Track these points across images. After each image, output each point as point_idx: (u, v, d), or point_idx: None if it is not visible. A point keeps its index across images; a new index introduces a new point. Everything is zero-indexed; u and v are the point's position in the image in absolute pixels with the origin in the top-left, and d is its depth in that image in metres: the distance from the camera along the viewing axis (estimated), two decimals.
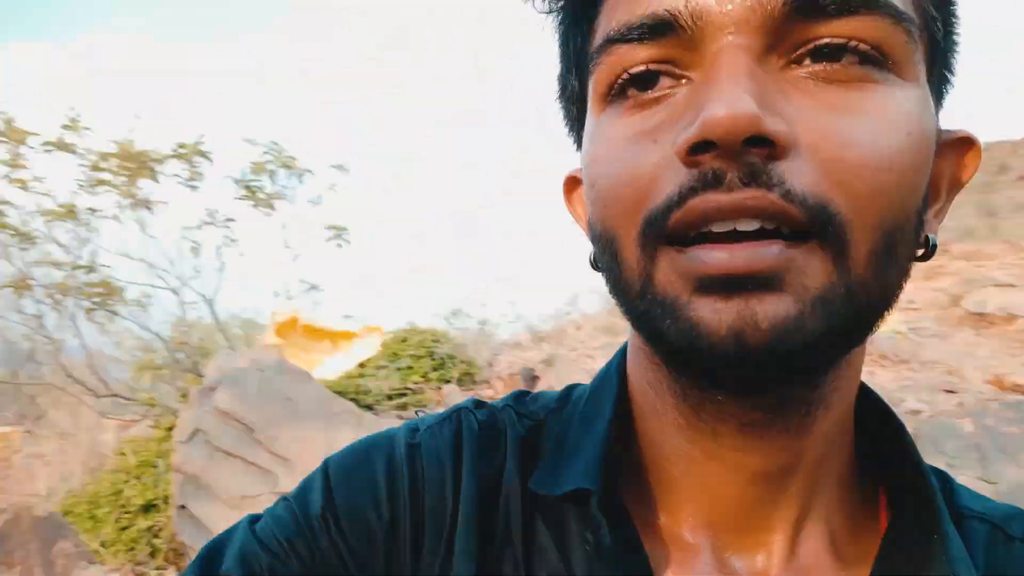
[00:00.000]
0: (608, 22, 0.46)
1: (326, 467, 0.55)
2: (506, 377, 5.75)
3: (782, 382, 0.43)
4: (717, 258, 0.39)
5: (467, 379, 5.88)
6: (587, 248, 0.54)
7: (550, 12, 0.52)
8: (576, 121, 0.55)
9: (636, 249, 0.43)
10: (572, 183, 0.59)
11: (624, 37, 0.43)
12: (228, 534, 0.54)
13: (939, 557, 0.47)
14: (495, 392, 5.74)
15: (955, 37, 0.49)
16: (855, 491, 0.54)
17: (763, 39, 0.41)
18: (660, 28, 0.42)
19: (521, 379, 5.71)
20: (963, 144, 0.50)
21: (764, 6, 0.40)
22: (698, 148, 0.39)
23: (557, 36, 0.53)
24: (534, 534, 0.53)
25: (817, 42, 0.41)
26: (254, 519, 0.54)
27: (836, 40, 0.40)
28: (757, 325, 0.39)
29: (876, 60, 0.41)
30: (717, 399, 0.46)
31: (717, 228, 0.39)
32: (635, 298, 0.45)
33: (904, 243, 0.43)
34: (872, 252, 0.41)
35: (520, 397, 0.62)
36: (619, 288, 0.46)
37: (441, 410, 0.60)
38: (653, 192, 0.42)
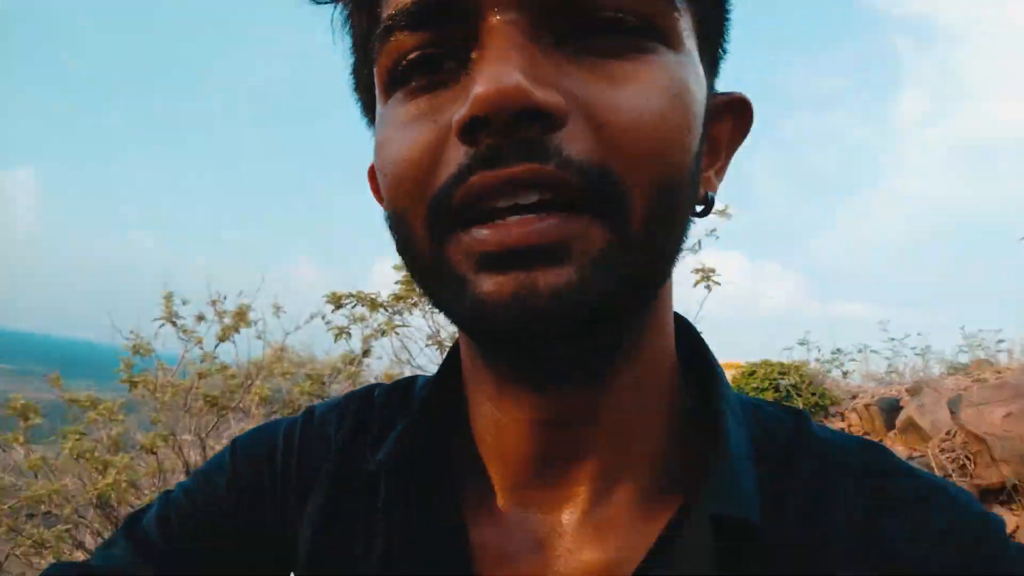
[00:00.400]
0: (387, 7, 0.45)
1: (234, 443, 0.63)
2: (860, 408, 5.26)
3: (568, 342, 0.43)
4: (494, 235, 0.39)
5: (818, 411, 5.52)
6: None
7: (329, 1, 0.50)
8: (373, 112, 0.52)
9: (425, 231, 0.43)
10: (374, 175, 0.55)
11: (399, 24, 0.43)
12: (148, 505, 0.62)
13: (723, 497, 0.45)
14: (847, 425, 5.28)
15: (726, 10, 0.50)
16: (684, 441, 0.52)
17: (533, 16, 0.41)
18: (428, 11, 0.42)
19: (879, 409, 5.18)
20: (739, 105, 0.52)
21: None
22: (474, 126, 0.39)
23: (345, 26, 0.52)
24: (357, 504, 0.56)
25: (588, 16, 0.41)
26: (169, 491, 0.62)
27: (606, 14, 0.41)
28: (538, 293, 0.39)
29: (644, 32, 0.42)
30: (513, 366, 0.48)
31: (501, 203, 0.39)
32: (430, 279, 0.45)
33: (681, 201, 0.43)
34: (650, 211, 0.41)
35: (414, 379, 0.65)
36: (415, 270, 0.47)
37: None
38: (436, 172, 0.42)
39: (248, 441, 0.62)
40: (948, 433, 3.70)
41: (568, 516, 0.50)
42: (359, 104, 0.55)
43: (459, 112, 0.39)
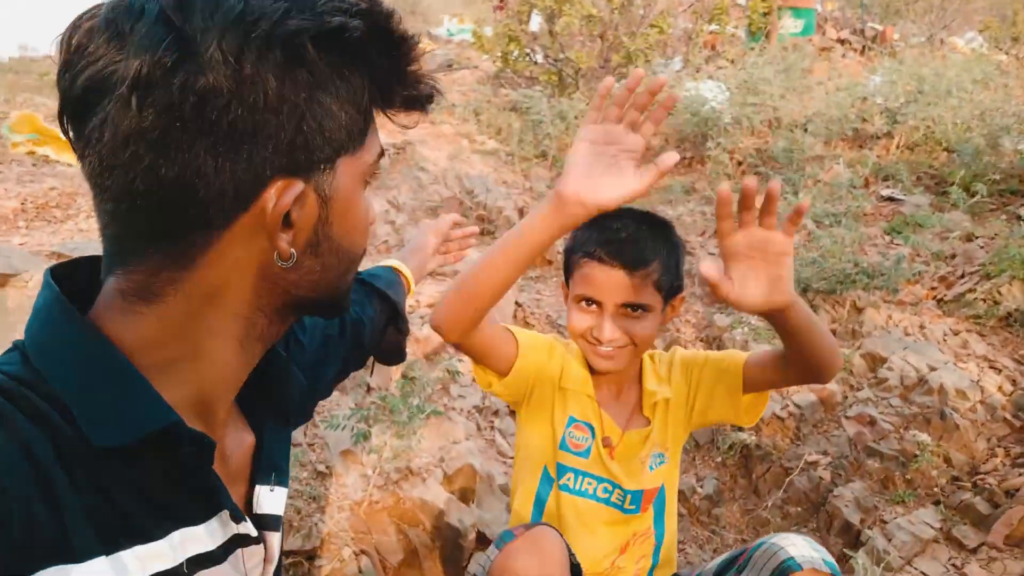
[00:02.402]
0: (378, 138, 0.77)
1: None
2: None
3: None
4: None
5: None
6: None
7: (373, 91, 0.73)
8: (317, 153, 0.70)
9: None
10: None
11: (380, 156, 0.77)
12: None
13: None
14: None
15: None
16: None
17: None
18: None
19: None
20: None
21: None
22: None
23: (356, 91, 0.70)
24: (121, 475, 0.64)
25: None
26: None
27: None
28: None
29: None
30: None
31: None
32: (347, 287, 0.81)
33: None
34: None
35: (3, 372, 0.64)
36: (344, 278, 0.79)
37: None
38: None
39: None
40: None
41: (227, 418, 0.83)
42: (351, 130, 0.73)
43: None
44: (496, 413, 3.65)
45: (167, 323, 0.68)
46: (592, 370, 1.61)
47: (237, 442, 0.85)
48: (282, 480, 0.88)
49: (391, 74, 0.71)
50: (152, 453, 0.66)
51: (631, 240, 1.48)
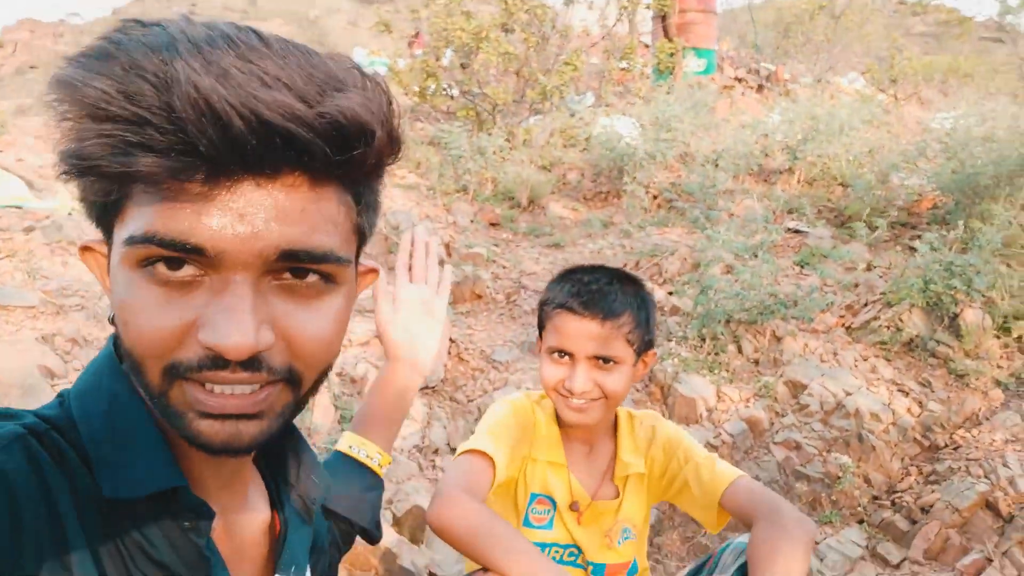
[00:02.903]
0: (147, 217, 0.57)
1: None
2: None
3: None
4: (216, 404, 0.61)
5: None
6: None
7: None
8: (97, 221, 0.65)
9: (159, 376, 0.61)
10: (89, 251, 0.70)
11: (163, 245, 0.57)
12: None
13: (297, 447, 0.87)
14: None
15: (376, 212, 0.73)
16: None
17: (262, 270, 0.60)
18: (192, 249, 0.57)
19: None
20: (368, 272, 0.82)
21: (263, 255, 0.59)
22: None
23: (80, 180, 0.59)
24: (127, 531, 0.66)
25: (293, 269, 0.62)
26: None
27: (310, 273, 0.63)
28: (241, 439, 0.63)
29: (328, 279, 0.65)
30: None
31: (223, 390, 0.61)
32: (153, 397, 0.63)
33: (330, 369, 0.71)
34: (316, 380, 0.68)
35: (39, 417, 0.68)
36: (139, 380, 0.63)
37: None
38: (177, 349, 0.60)
39: None
40: None
41: (239, 501, 0.81)
42: (84, 198, 0.64)
43: (206, 336, 0.58)
44: (436, 451, 3.62)
45: None
46: (562, 424, 1.62)
47: (254, 523, 0.84)
48: (301, 573, 0.86)
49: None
50: (157, 513, 0.67)
51: (602, 292, 1.51)
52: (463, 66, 8.38)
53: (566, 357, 1.53)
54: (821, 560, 2.95)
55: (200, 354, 0.59)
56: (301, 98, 0.55)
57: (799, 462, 3.42)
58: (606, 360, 1.52)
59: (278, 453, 0.88)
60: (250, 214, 0.57)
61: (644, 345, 1.58)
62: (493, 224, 6.90)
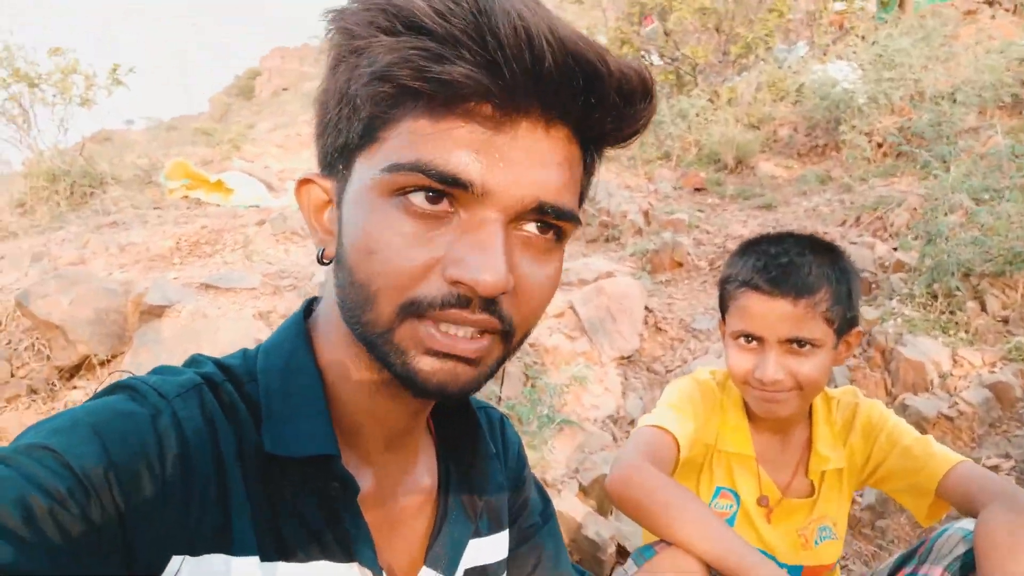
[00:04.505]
0: (419, 145, 0.58)
1: (91, 425, 0.58)
2: None
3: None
4: (446, 343, 0.61)
5: None
6: None
7: (372, 81, 0.57)
8: (338, 155, 0.65)
9: (392, 311, 0.61)
10: (307, 184, 0.70)
11: (433, 174, 0.57)
12: None
13: (475, 436, 0.83)
14: None
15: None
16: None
17: (514, 216, 0.61)
18: (461, 184, 0.58)
19: None
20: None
21: (523, 201, 0.60)
22: (461, 283, 0.59)
23: (360, 91, 0.59)
24: (282, 488, 0.67)
25: (538, 222, 0.63)
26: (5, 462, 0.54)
27: (549, 223, 0.63)
28: (458, 381, 0.63)
29: (560, 238, 0.66)
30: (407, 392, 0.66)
31: (458, 331, 0.61)
32: (375, 334, 0.62)
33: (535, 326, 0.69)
34: (523, 339, 0.68)
35: (219, 366, 0.72)
36: (360, 317, 0.63)
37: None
38: (418, 284, 0.60)
39: (117, 436, 0.58)
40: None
41: (410, 462, 0.80)
42: (328, 129, 0.65)
43: (458, 272, 0.58)
44: (632, 423, 3.54)
45: (329, 341, 0.72)
46: (751, 413, 1.47)
47: (413, 493, 0.81)
48: (451, 571, 0.81)
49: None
50: (311, 477, 0.68)
51: (794, 266, 1.31)
52: (666, 33, 8.08)
53: (754, 342, 1.35)
54: None
55: (444, 291, 0.59)
56: (600, 53, 0.57)
57: None
58: (801, 343, 1.32)
59: (456, 439, 0.85)
60: (521, 159, 0.59)
61: (846, 324, 1.36)
62: (698, 189, 6.60)
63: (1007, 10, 9.68)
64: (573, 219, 0.64)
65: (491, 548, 0.87)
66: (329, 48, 0.62)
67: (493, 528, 0.88)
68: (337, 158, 0.65)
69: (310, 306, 0.78)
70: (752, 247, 1.40)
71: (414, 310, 0.60)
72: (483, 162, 0.57)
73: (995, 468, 2.86)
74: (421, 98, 0.57)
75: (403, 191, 0.59)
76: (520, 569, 0.95)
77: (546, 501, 1.03)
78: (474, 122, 0.57)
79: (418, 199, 0.59)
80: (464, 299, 0.59)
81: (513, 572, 0.95)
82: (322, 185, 0.69)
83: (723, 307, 1.45)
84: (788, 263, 1.33)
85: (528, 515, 0.98)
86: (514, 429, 1.00)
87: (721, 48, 7.95)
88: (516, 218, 0.61)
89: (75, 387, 3.11)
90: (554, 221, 0.63)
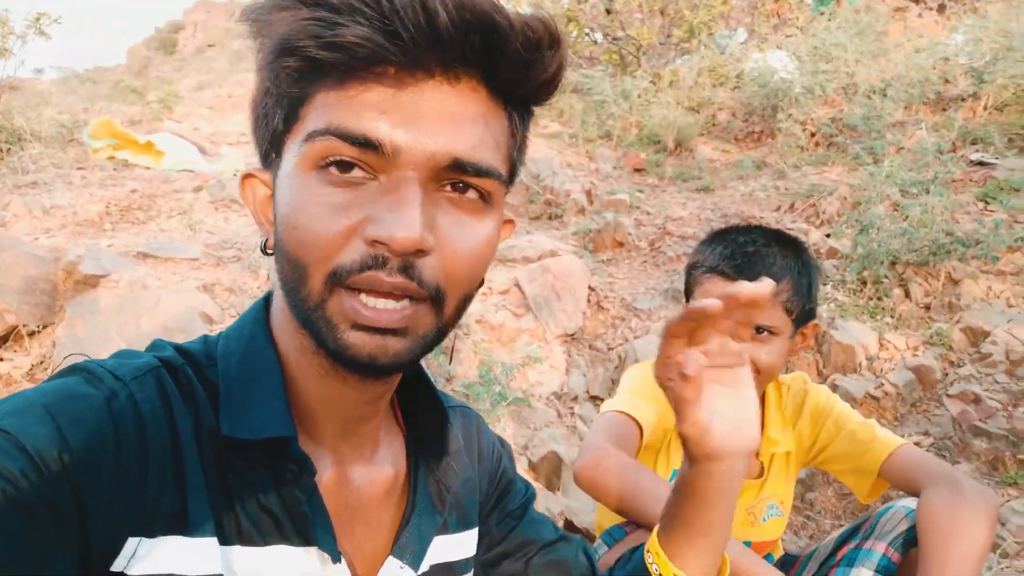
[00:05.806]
0: (330, 112, 0.60)
1: (45, 407, 0.57)
2: None
3: (391, 376, 0.73)
4: (370, 316, 0.61)
5: None
6: None
7: (275, 59, 0.60)
8: (270, 144, 0.67)
9: (321, 283, 0.61)
10: (250, 179, 0.73)
11: (343, 136, 0.59)
12: None
13: (443, 430, 0.83)
14: None
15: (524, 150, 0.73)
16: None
17: (430, 175, 0.61)
18: (371, 145, 0.59)
19: None
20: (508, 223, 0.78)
21: (435, 158, 0.60)
22: (378, 242, 0.59)
23: (269, 72, 0.62)
24: (240, 471, 0.67)
25: (456, 181, 0.63)
26: None
27: (468, 182, 0.63)
28: (387, 353, 0.63)
29: (485, 199, 0.65)
30: (352, 372, 0.67)
31: (377, 298, 0.61)
32: (309, 309, 0.63)
33: (472, 295, 0.69)
34: (457, 307, 0.67)
35: (179, 351, 0.72)
36: (296, 294, 0.64)
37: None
38: (340, 252, 0.60)
39: (71, 418, 0.58)
40: None
41: (367, 451, 0.79)
42: (258, 125, 0.68)
43: (375, 230, 0.58)
44: (575, 399, 3.60)
45: (281, 327, 0.73)
46: None
47: (377, 482, 0.81)
48: (416, 564, 0.80)
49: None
50: (267, 460, 0.68)
51: (759, 256, 1.37)
52: (608, 11, 8.10)
53: None
54: (1003, 525, 2.65)
55: (363, 253, 0.60)
56: (496, 5, 0.58)
57: (978, 417, 3.07)
58: (760, 330, 1.37)
59: (426, 433, 0.85)
60: (429, 116, 0.60)
61: (804, 315, 1.41)
62: (638, 170, 6.69)
63: (931, 9, 10.12)
64: (496, 176, 0.65)
65: (458, 545, 0.87)
66: (255, 50, 0.63)
67: (461, 526, 0.88)
68: (270, 148, 0.67)
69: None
70: (720, 236, 1.45)
71: (338, 280, 0.61)
72: (391, 121, 0.59)
73: (917, 445, 3.05)
74: (330, 72, 0.59)
75: (323, 163, 0.61)
76: (523, 552, 0.97)
77: (528, 485, 1.04)
78: (381, 84, 0.59)
79: (333, 170, 0.61)
80: (381, 259, 0.60)
81: (516, 557, 0.96)
82: (262, 179, 0.71)
83: (688, 292, 1.49)
84: (754, 252, 1.38)
85: (512, 497, 0.99)
86: (491, 429, 1.00)
87: (665, 30, 8.03)
88: (435, 177, 0.62)
89: (1, 359, 2.95)
90: (474, 180, 0.63)
